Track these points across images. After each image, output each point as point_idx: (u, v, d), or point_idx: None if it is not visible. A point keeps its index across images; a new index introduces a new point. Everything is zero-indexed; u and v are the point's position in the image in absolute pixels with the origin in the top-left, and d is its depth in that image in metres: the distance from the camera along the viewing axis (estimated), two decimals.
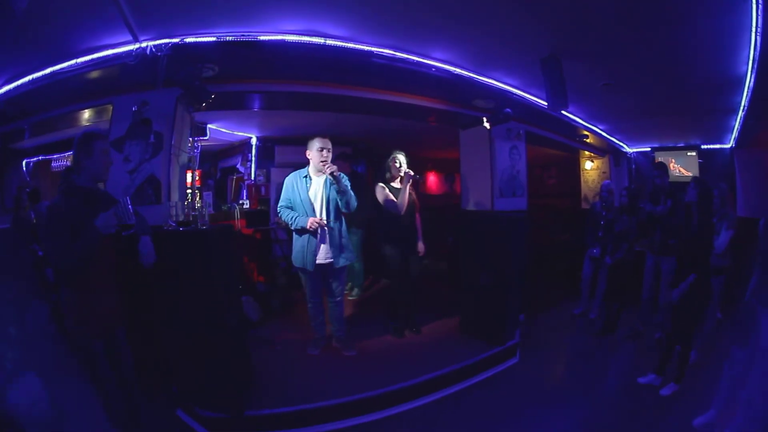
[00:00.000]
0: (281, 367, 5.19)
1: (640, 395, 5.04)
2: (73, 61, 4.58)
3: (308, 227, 5.02)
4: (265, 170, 9.96)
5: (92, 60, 4.57)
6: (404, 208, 5.89)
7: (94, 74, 4.72)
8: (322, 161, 5.03)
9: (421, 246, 6.15)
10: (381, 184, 5.97)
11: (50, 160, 9.44)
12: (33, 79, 4.75)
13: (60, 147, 7.84)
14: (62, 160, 9.41)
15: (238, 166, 10.38)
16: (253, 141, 9.87)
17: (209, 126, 7.75)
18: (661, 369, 5.17)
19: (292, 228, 5.19)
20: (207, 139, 7.91)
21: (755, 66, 5.10)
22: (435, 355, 5.48)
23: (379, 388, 4.66)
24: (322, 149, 5.07)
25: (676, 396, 4.91)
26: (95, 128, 3.86)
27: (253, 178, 9.90)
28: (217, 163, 11.60)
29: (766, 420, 3.46)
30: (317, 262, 5.17)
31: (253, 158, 9.97)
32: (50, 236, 3.03)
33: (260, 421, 4.25)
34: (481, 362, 5.53)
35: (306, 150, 5.20)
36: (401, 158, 5.98)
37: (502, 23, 4.52)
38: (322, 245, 5.19)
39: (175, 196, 4.83)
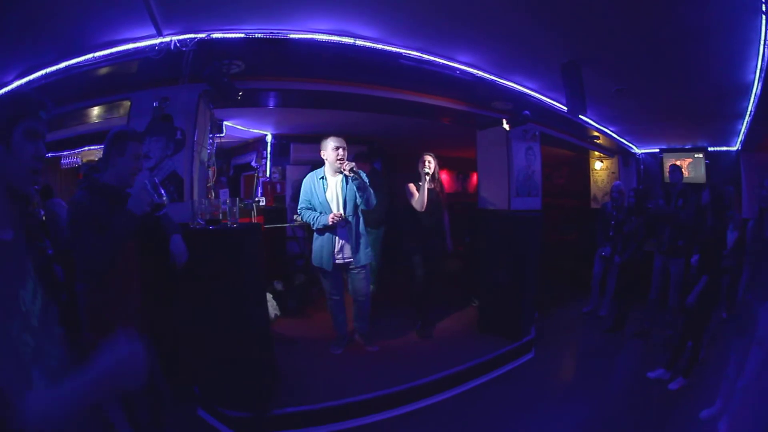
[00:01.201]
0: (304, 366, 5.21)
1: (650, 389, 5.18)
2: (90, 55, 4.48)
3: (329, 222, 5.07)
4: (280, 167, 10.02)
5: (111, 54, 4.47)
6: (423, 206, 5.96)
7: (112, 69, 4.63)
8: (339, 160, 5.09)
9: (449, 243, 6.29)
10: (411, 184, 6.08)
11: (60, 157, 9.49)
12: (46, 73, 4.64)
13: (70, 144, 7.86)
14: (72, 158, 9.47)
15: (253, 163, 10.43)
16: (269, 138, 9.93)
17: (225, 123, 7.78)
18: (671, 364, 5.29)
19: (314, 227, 5.24)
20: (223, 136, 7.98)
21: (762, 75, 5.23)
22: (455, 351, 5.57)
23: (401, 384, 4.73)
24: (338, 148, 5.12)
25: (684, 390, 5.04)
26: (129, 128, 3.77)
27: (268, 175, 9.97)
28: (230, 160, 11.64)
29: (761, 407, 3.66)
30: (336, 262, 5.23)
31: (269, 155, 10.04)
32: (77, 232, 2.82)
33: (285, 419, 4.26)
34: (499, 357, 5.65)
35: (320, 150, 5.25)
36: (428, 158, 6.04)
37: (524, 30, 4.62)
38: (341, 245, 5.26)
39: (197, 194, 4.81)
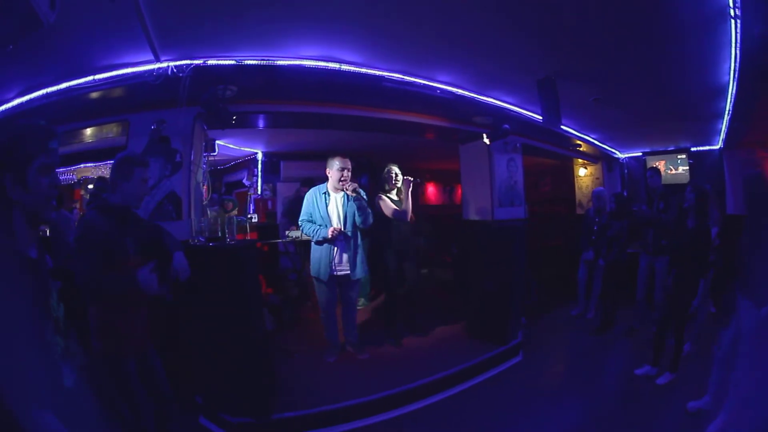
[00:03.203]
0: (301, 375, 5.38)
1: (638, 385, 5.37)
2: (90, 77, 4.65)
3: (329, 236, 5.33)
4: (271, 185, 10.22)
5: (111, 77, 4.65)
6: (409, 214, 6.25)
7: (111, 91, 4.79)
8: (342, 180, 5.38)
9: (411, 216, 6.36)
10: (382, 196, 6.32)
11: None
12: (47, 93, 4.80)
13: (66, 161, 8.02)
14: (68, 174, 9.62)
15: (244, 180, 10.64)
16: (259, 156, 10.13)
17: (217, 142, 7.96)
18: (656, 360, 5.49)
19: (314, 240, 5.49)
20: (215, 155, 8.15)
21: (736, 76, 5.49)
22: (444, 356, 5.76)
23: (394, 388, 4.92)
24: (342, 169, 5.41)
25: (673, 384, 5.24)
26: (136, 154, 3.87)
27: (260, 192, 10.16)
28: (222, 178, 11.84)
29: (754, 399, 3.75)
30: (334, 273, 5.48)
31: (260, 173, 10.23)
32: (81, 254, 2.90)
33: (284, 423, 4.43)
34: (488, 361, 5.84)
35: (326, 168, 5.52)
36: (396, 169, 6.32)
37: (501, 48, 4.86)
38: (339, 257, 5.51)
39: (194, 213, 5.00)
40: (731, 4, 3.98)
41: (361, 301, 8.07)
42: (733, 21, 4.26)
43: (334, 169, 5.45)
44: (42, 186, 1.79)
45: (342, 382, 5.12)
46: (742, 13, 4.07)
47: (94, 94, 4.82)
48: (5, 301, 1.53)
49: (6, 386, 1.41)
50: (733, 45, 4.73)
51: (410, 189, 6.18)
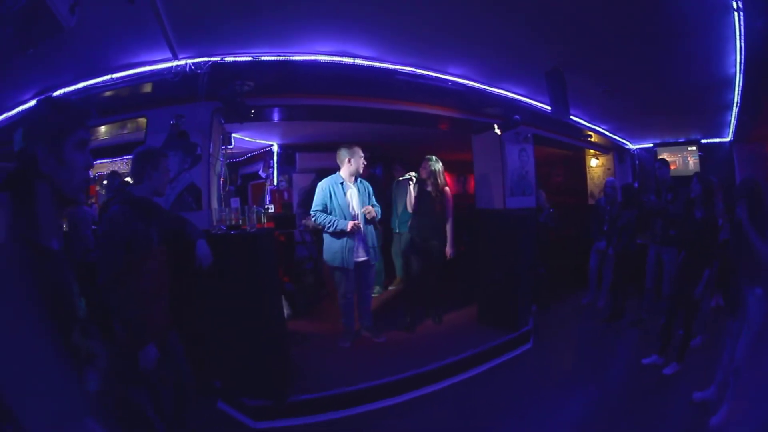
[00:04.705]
0: (317, 359, 5.54)
1: (645, 375, 5.45)
2: (108, 76, 4.83)
3: (348, 230, 5.50)
4: (287, 176, 10.34)
5: (129, 76, 4.84)
6: (410, 206, 6.48)
7: (129, 89, 4.97)
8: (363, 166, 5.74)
9: (449, 250, 6.46)
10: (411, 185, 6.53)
11: None
12: (65, 92, 4.92)
13: None
14: None
15: (260, 172, 10.76)
16: (275, 148, 10.27)
17: (233, 135, 8.06)
18: (663, 350, 5.57)
19: (330, 231, 5.61)
20: (232, 148, 8.24)
21: (743, 68, 5.60)
22: (457, 342, 5.89)
23: (408, 371, 5.06)
24: (362, 157, 5.71)
25: (680, 375, 5.31)
26: (156, 147, 4.00)
27: (276, 183, 10.30)
28: (238, 170, 11.96)
29: (753, 388, 3.96)
30: (356, 260, 5.66)
31: (275, 165, 10.36)
32: (109, 248, 3.01)
33: (301, 406, 4.58)
34: (499, 347, 5.99)
35: (345, 158, 5.70)
36: (424, 163, 6.47)
37: (511, 41, 4.99)
38: (359, 245, 5.70)
39: (214, 203, 5.15)
40: None
41: (377, 289, 8.21)
42: (736, 14, 4.37)
43: (356, 157, 5.67)
44: (77, 162, 1.73)
45: (356, 367, 5.27)
46: (744, 5, 4.18)
47: (113, 92, 4.99)
48: (25, 301, 1.48)
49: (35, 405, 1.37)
50: (738, 38, 4.83)
51: (412, 185, 6.45)
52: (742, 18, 4.44)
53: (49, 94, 3.11)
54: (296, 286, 7.64)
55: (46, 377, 1.42)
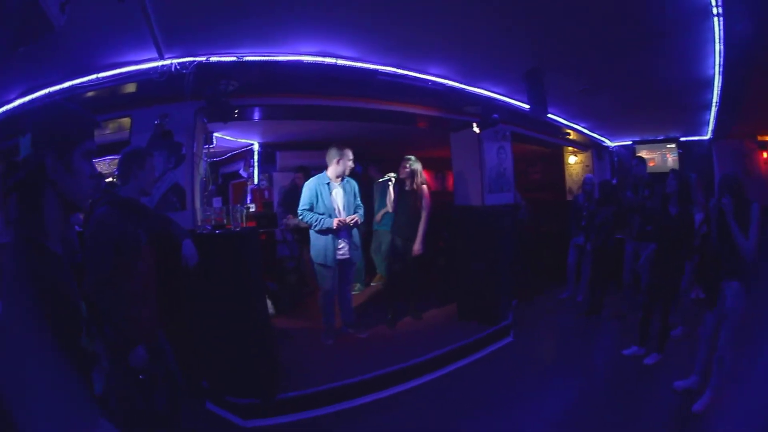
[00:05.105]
0: (301, 357, 5.61)
1: (626, 365, 5.61)
2: (94, 76, 4.79)
3: (334, 227, 5.61)
4: (267, 174, 10.38)
5: (114, 75, 4.80)
6: (390, 206, 6.69)
7: (114, 89, 4.94)
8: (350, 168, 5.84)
9: (416, 247, 6.55)
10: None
11: None
12: (50, 92, 4.87)
13: None
14: None
15: (241, 171, 10.77)
16: (256, 147, 10.27)
17: (215, 134, 8.02)
18: (642, 341, 5.74)
19: (317, 229, 5.71)
20: (213, 147, 8.20)
21: (722, 70, 5.78)
22: (438, 337, 6.03)
23: (391, 367, 5.16)
24: (351, 159, 5.82)
25: (661, 364, 5.47)
26: (142, 147, 4.08)
27: (256, 182, 10.32)
28: (218, 169, 11.92)
29: (735, 375, 4.23)
30: (339, 258, 5.77)
31: (256, 163, 10.37)
32: (98, 250, 2.98)
33: (290, 403, 4.64)
34: (480, 341, 6.11)
35: (335, 158, 5.81)
36: (403, 163, 6.64)
37: (491, 41, 5.06)
38: (342, 243, 5.80)
39: (198, 203, 5.16)
40: (714, 3, 4.21)
41: (358, 286, 8.29)
42: (716, 18, 4.50)
43: (346, 158, 5.79)
44: (85, 171, 1.72)
45: (342, 363, 5.35)
46: (724, 11, 4.31)
47: (97, 92, 4.95)
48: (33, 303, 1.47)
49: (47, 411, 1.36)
50: (717, 41, 4.98)
51: (391, 185, 6.63)
52: (722, 23, 4.57)
53: (58, 100, 3.08)
54: (278, 284, 7.70)
55: (56, 380, 1.42)
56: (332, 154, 5.81)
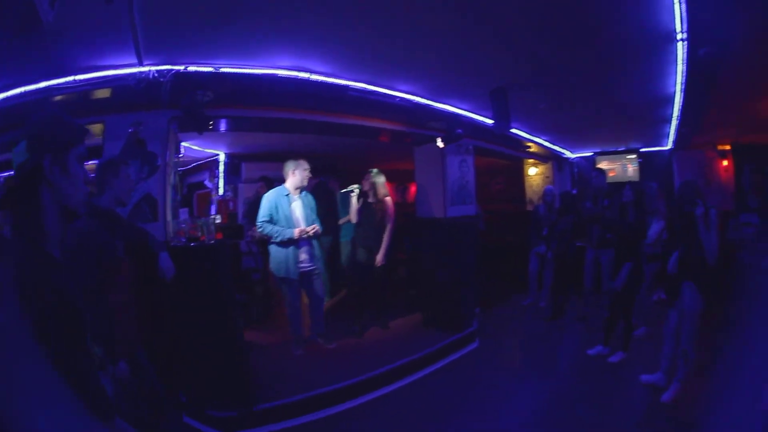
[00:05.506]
0: (273, 368, 5.63)
1: (592, 364, 5.89)
2: (71, 78, 4.57)
3: (296, 237, 5.65)
4: (233, 186, 10.33)
5: (92, 79, 4.61)
6: (353, 217, 6.74)
7: (91, 93, 4.76)
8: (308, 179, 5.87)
9: (379, 257, 6.67)
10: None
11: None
12: (25, 91, 4.57)
13: None
14: None
15: (206, 182, 10.68)
16: (221, 158, 10.26)
17: (182, 144, 7.77)
18: (607, 341, 6.05)
19: (278, 240, 5.71)
20: (182, 156, 8.06)
21: (683, 89, 6.08)
22: (405, 345, 6.16)
23: (361, 375, 5.27)
24: (306, 169, 5.84)
25: (626, 362, 5.78)
26: (116, 155, 4.08)
27: (221, 193, 10.28)
28: (184, 179, 11.78)
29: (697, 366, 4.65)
30: (300, 270, 5.80)
31: (221, 174, 10.34)
32: (79, 263, 2.82)
33: (267, 414, 4.67)
34: (447, 347, 6.30)
35: (290, 170, 5.83)
36: (370, 175, 6.71)
37: (457, 61, 5.24)
38: (303, 255, 5.83)
39: (169, 214, 5.07)
40: (678, 29, 4.44)
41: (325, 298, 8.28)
42: (680, 43, 4.75)
43: (301, 170, 5.81)
44: (79, 176, 1.77)
45: (313, 373, 5.40)
46: (688, 36, 4.54)
47: (73, 95, 4.77)
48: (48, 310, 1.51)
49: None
50: (680, 62, 5.24)
51: (353, 196, 6.70)
52: (685, 47, 4.82)
53: (49, 110, 2.97)
54: (245, 296, 7.70)
55: (69, 382, 1.41)
56: (288, 167, 5.86)
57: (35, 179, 1.67)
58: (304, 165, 5.88)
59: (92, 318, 2.63)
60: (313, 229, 5.82)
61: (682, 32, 4.49)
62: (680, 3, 3.98)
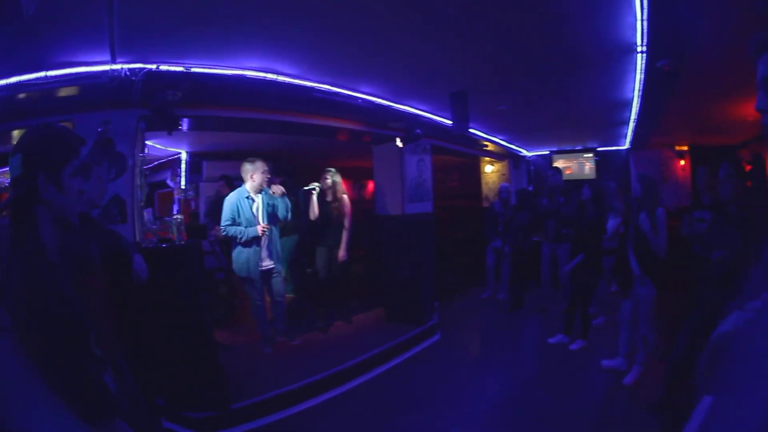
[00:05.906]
0: (244, 367, 5.71)
1: (552, 352, 6.16)
2: (42, 74, 4.50)
3: (259, 234, 5.71)
4: (194, 185, 10.27)
5: (63, 75, 4.54)
6: (313, 215, 6.82)
7: (60, 90, 4.66)
8: (266, 182, 5.92)
9: (341, 254, 6.89)
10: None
11: None
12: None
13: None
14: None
15: (168, 181, 10.61)
16: (183, 156, 10.18)
17: (147, 142, 7.72)
18: (567, 330, 6.34)
19: (242, 240, 5.76)
20: (146, 155, 7.94)
21: (641, 95, 6.44)
22: (369, 339, 6.33)
23: (331, 369, 5.44)
24: (265, 171, 5.89)
25: (586, 350, 6.07)
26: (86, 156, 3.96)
27: (183, 192, 10.17)
28: (145, 179, 11.56)
29: (658, 350, 5.02)
30: (261, 269, 5.88)
31: (183, 173, 10.25)
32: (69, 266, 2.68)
33: (245, 412, 4.72)
34: (410, 340, 6.50)
35: (248, 173, 5.86)
36: (328, 175, 6.87)
37: (419, 64, 5.43)
38: (265, 254, 5.91)
39: (136, 215, 4.94)
40: (639, 42, 4.68)
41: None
42: (639, 55, 5.03)
43: (259, 172, 5.85)
44: (74, 189, 1.85)
45: (283, 370, 5.51)
46: (648, 49, 4.81)
47: (42, 92, 4.67)
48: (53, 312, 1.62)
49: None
50: (638, 71, 5.54)
51: (312, 196, 6.75)
52: (644, 58, 5.09)
53: (46, 121, 2.86)
54: (211, 297, 7.60)
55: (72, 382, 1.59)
56: (246, 169, 5.90)
57: (30, 197, 1.76)
58: (262, 167, 5.90)
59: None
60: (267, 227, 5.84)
61: (642, 45, 4.74)
62: (642, 20, 4.22)
